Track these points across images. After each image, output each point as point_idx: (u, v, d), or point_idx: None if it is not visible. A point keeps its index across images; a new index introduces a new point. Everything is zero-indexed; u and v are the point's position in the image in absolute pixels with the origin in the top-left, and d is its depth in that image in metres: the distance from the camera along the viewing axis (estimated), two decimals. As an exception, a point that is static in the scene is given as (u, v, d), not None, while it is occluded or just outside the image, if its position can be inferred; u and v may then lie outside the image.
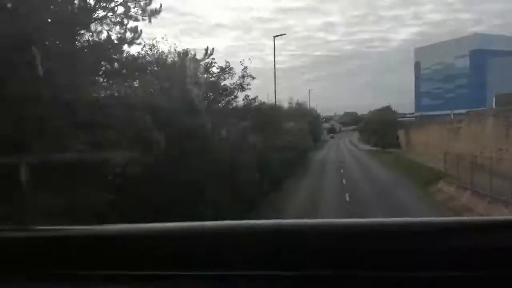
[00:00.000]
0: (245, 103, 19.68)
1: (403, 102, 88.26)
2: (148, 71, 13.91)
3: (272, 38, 35.67)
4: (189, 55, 15.57)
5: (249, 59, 22.50)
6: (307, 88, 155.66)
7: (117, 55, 11.87)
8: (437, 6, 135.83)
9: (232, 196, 14.91)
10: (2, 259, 1.06)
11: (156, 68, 14.50)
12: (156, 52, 14.72)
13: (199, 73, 16.09)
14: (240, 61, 18.79)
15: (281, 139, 27.68)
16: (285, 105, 58.44)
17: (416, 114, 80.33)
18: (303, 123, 47.74)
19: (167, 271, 1.00)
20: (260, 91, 58.07)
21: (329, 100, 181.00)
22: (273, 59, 37.08)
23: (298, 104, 61.83)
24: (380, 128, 56.76)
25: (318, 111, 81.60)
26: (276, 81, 33.37)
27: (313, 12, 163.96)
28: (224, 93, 18.13)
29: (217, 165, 14.22)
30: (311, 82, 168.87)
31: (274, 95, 32.04)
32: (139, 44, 12.14)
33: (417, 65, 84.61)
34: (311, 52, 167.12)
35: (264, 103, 26.86)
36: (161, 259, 1.02)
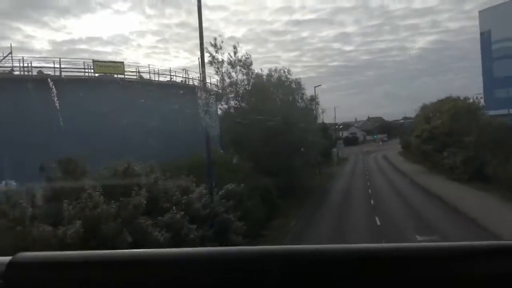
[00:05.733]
0: None
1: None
2: None
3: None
4: None
5: None
6: (324, 98, 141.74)
7: None
8: (455, 14, 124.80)
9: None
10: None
11: None
12: None
13: None
14: None
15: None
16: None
17: None
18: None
19: None
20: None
21: (348, 110, 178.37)
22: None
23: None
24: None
25: (332, 116, 48.17)
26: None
27: (327, 24, 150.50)
28: None
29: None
30: (328, 92, 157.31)
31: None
32: None
33: (484, 37, 53.35)
34: (327, 63, 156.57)
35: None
36: (163, 284, 1.03)
